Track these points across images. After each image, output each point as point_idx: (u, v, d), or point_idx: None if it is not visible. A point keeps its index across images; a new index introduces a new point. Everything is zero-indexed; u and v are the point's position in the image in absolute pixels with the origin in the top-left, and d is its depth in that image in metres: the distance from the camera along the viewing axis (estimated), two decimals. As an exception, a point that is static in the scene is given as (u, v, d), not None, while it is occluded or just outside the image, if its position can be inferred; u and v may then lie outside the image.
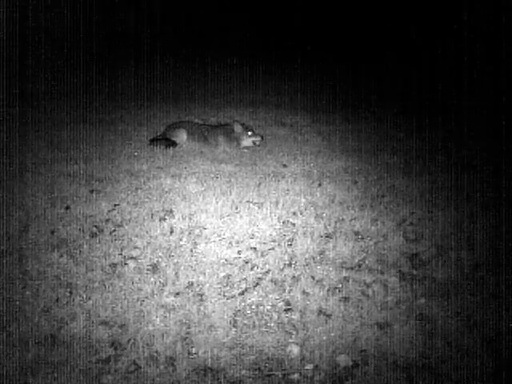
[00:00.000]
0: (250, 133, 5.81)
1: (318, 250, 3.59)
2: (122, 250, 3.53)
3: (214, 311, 2.91)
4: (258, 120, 7.07)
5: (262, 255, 3.51)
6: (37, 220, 3.90)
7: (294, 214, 4.13)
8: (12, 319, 2.78)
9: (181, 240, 3.70)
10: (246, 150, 5.81)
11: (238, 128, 5.79)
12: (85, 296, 3.00)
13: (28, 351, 2.55)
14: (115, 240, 3.66)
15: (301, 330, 2.78)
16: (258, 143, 5.84)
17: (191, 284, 3.16)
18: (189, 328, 2.77)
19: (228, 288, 3.15)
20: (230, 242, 3.69)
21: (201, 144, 5.81)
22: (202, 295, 3.05)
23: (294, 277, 3.25)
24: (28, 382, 2.40)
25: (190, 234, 3.78)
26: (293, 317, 2.89)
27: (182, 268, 3.34)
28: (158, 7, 13.15)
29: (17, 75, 7.97)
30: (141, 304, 2.95)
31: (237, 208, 4.20)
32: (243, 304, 3.00)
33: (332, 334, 2.74)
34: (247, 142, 5.82)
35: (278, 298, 3.06)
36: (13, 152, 5.35)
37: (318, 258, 3.50)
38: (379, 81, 9.84)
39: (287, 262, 3.43)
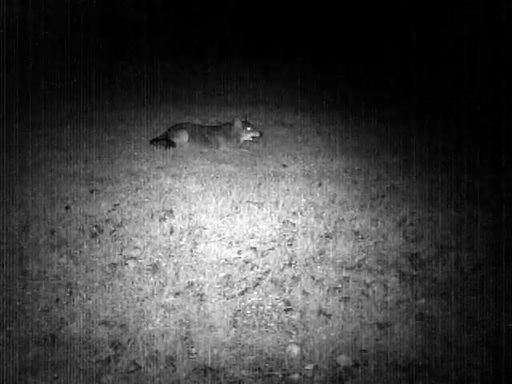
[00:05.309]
0: (249, 128, 5.88)
1: (318, 249, 3.59)
2: (122, 250, 3.53)
3: (213, 311, 2.91)
4: (258, 120, 7.06)
5: (262, 255, 3.51)
6: (37, 220, 3.90)
7: (294, 213, 4.13)
8: (12, 319, 2.79)
9: (181, 240, 3.70)
10: (245, 149, 5.83)
11: (238, 124, 5.83)
12: (85, 296, 3.00)
13: (28, 351, 2.55)
14: (115, 240, 3.66)
15: (301, 330, 2.78)
16: (256, 138, 5.93)
17: (191, 284, 3.16)
18: (189, 328, 2.77)
19: (228, 288, 3.15)
20: (230, 242, 3.70)
21: (202, 145, 5.85)
22: (201, 295, 3.05)
23: (294, 277, 3.25)
24: (28, 382, 2.40)
25: (190, 233, 3.78)
26: (293, 317, 2.89)
27: (182, 268, 3.34)
28: (158, 7, 13.15)
29: (16, 75, 7.97)
30: (141, 304, 2.96)
31: (237, 208, 4.20)
32: (243, 304, 3.00)
33: (332, 334, 2.74)
34: (246, 137, 5.89)
35: (278, 297, 3.06)
36: (13, 152, 5.35)
37: (318, 257, 3.50)
38: (379, 81, 9.83)
39: (287, 262, 3.43)
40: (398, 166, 5.39)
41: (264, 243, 3.69)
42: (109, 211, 4.09)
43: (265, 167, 5.30)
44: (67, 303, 2.95)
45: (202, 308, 2.94)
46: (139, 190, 4.57)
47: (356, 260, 3.47)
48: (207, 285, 3.16)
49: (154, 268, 3.31)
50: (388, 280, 3.23)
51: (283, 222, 3.99)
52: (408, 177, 5.06)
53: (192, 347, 2.63)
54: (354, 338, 2.71)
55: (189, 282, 3.17)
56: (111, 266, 3.31)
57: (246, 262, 3.43)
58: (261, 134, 5.94)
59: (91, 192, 4.46)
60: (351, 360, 2.55)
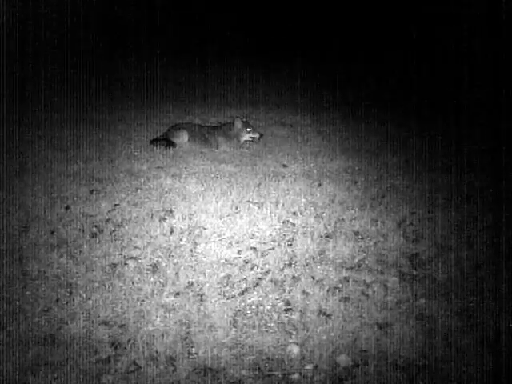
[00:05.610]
0: (249, 129, 5.89)
1: (318, 249, 3.59)
2: (122, 249, 3.53)
3: (214, 311, 2.91)
4: (258, 120, 7.07)
5: (262, 255, 3.51)
6: (37, 220, 3.90)
7: (294, 213, 4.13)
8: (12, 319, 2.78)
9: (181, 240, 3.70)
10: (245, 149, 5.84)
11: (238, 124, 5.84)
12: (85, 296, 3.00)
13: (28, 351, 2.55)
14: (115, 240, 3.66)
15: (301, 330, 2.78)
16: (256, 139, 5.93)
17: (191, 284, 3.16)
18: (189, 328, 2.77)
19: (228, 288, 3.15)
20: (230, 242, 3.69)
21: (202, 145, 5.86)
22: (202, 295, 3.05)
23: (294, 277, 3.25)
24: (28, 382, 2.40)
25: (190, 233, 3.78)
26: (293, 317, 2.89)
27: (182, 268, 3.34)
28: (158, 7, 13.14)
29: (17, 75, 7.96)
30: (141, 304, 2.95)
31: (237, 208, 4.20)
32: (243, 304, 3.00)
33: (332, 334, 2.73)
34: (246, 137, 5.90)
35: (278, 297, 3.06)
36: (13, 152, 5.35)
37: (318, 257, 3.50)
38: (379, 81, 9.83)
39: (287, 262, 3.43)
40: (397, 166, 5.39)
41: (264, 243, 3.69)
42: (109, 211, 4.09)
43: (265, 167, 5.30)
44: (67, 303, 2.95)
45: (202, 308, 2.94)
46: (139, 190, 4.57)
47: (356, 260, 3.47)
48: (207, 285, 3.16)
49: (154, 268, 3.31)
50: (388, 280, 3.23)
51: (283, 222, 3.99)
52: (408, 177, 5.06)
53: (192, 347, 2.63)
54: (354, 338, 2.71)
55: (189, 282, 3.17)
56: (111, 266, 3.31)
57: (246, 262, 3.43)
58: (261, 135, 5.95)
59: (91, 192, 4.46)
60: (351, 360, 2.55)
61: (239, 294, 3.08)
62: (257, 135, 5.92)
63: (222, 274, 3.28)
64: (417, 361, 2.56)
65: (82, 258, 3.41)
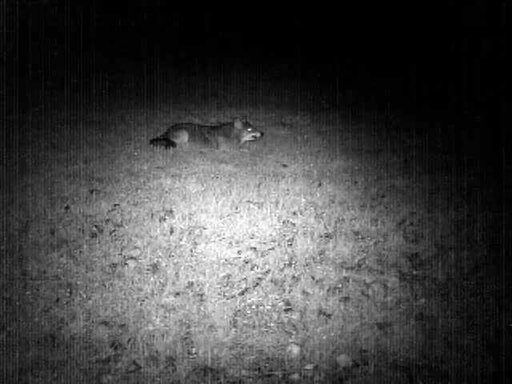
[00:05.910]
0: (250, 129, 5.89)
1: (318, 250, 3.59)
2: (122, 249, 3.53)
3: (214, 311, 2.91)
4: (258, 120, 7.06)
5: (262, 255, 3.51)
6: (37, 220, 3.90)
7: (294, 213, 4.13)
8: (12, 319, 2.79)
9: (181, 240, 3.70)
10: (245, 149, 5.84)
11: (238, 125, 5.83)
12: (85, 296, 3.00)
13: (28, 351, 2.55)
14: (115, 240, 3.66)
15: (301, 330, 2.78)
16: (257, 138, 5.93)
17: (191, 284, 3.16)
18: (189, 328, 2.77)
19: (228, 288, 3.15)
20: (230, 242, 3.69)
21: (202, 145, 5.85)
22: (202, 295, 3.05)
23: (294, 277, 3.25)
24: (28, 382, 2.40)
25: (190, 234, 3.78)
26: (293, 317, 2.89)
27: (182, 268, 3.34)
28: (158, 7, 13.15)
29: (17, 75, 7.97)
30: (141, 304, 2.95)
31: (237, 208, 4.20)
32: (243, 304, 3.00)
33: (332, 334, 2.74)
34: (247, 137, 5.89)
35: (277, 298, 3.06)
36: (13, 152, 5.35)
37: (318, 258, 3.50)
38: (379, 81, 9.83)
39: (287, 262, 3.43)
40: (398, 166, 5.39)
41: (264, 243, 3.69)
42: (109, 211, 4.09)
43: (265, 167, 5.30)
44: (67, 303, 2.95)
45: (202, 308, 2.94)
46: (139, 190, 4.57)
47: (356, 260, 3.47)
48: (207, 285, 3.16)
49: (154, 268, 3.31)
50: (388, 280, 3.23)
51: (283, 222, 3.99)
52: (408, 177, 5.06)
53: (192, 347, 2.63)
54: (354, 338, 2.71)
55: (189, 282, 3.17)
56: (111, 266, 3.31)
57: (246, 262, 3.43)
58: (262, 134, 5.95)
59: (91, 192, 4.46)
60: (351, 360, 2.55)
61: (239, 294, 3.08)
62: (258, 134, 5.92)
63: (222, 274, 3.28)
64: (417, 361, 2.56)
65: (81, 258, 3.41)
